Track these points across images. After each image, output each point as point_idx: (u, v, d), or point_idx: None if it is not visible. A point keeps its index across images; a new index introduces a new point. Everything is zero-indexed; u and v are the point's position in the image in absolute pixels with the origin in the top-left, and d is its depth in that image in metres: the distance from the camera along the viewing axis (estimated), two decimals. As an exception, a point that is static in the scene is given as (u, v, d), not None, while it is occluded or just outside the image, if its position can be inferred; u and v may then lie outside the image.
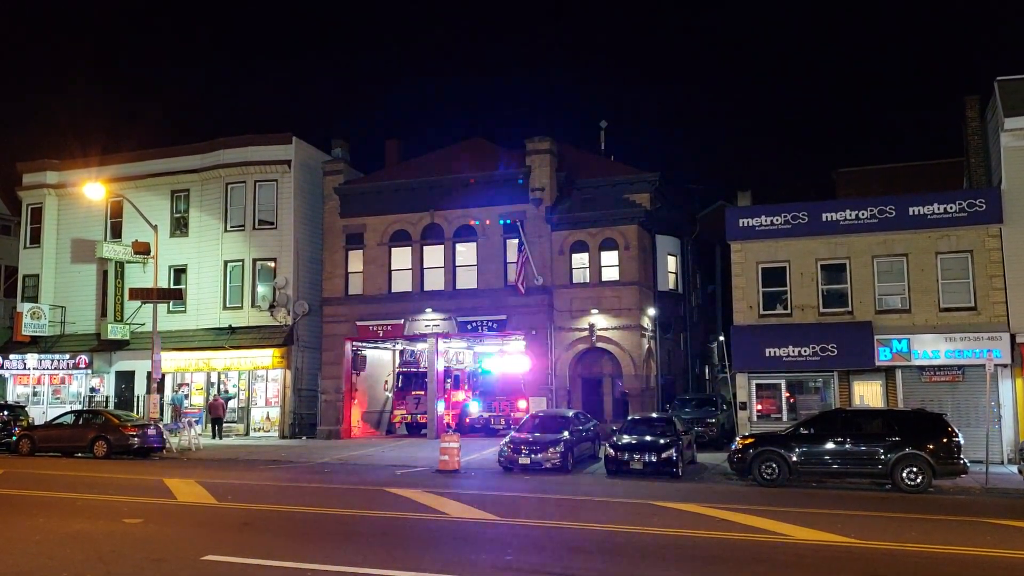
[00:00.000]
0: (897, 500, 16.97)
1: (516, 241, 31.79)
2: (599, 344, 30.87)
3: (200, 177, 36.91)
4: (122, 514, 13.75)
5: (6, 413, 30.30)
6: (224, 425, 33.95)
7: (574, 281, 31.57)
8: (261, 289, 35.55)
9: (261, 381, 35.15)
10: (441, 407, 33.46)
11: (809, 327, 26.15)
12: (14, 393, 38.71)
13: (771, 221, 27.13)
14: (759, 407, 26.80)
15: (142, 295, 31.54)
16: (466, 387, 36.16)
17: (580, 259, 31.63)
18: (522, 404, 32.04)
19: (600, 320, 30.75)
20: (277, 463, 24.52)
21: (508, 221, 32.23)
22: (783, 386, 26.66)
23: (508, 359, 36.63)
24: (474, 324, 32.47)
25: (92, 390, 37.68)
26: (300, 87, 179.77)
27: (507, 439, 22.91)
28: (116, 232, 38.09)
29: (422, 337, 33.67)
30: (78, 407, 34.63)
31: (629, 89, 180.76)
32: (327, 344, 34.51)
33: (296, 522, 13.37)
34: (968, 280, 25.23)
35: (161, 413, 29.72)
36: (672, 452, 20.66)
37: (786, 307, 26.94)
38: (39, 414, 35.88)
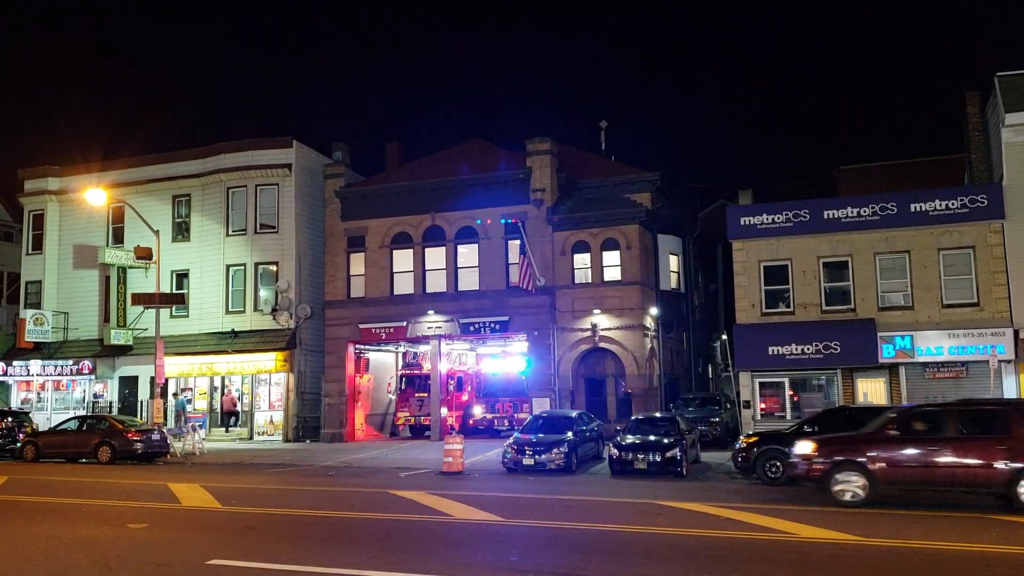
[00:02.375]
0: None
1: (518, 242, 31.78)
2: (602, 344, 30.85)
3: (201, 182, 36.94)
4: (127, 519, 13.75)
5: (10, 420, 30.35)
6: (230, 425, 34.35)
7: (576, 281, 31.57)
8: (263, 293, 35.58)
9: (264, 385, 35.18)
10: (444, 409, 33.45)
11: (812, 325, 26.14)
12: (18, 399, 38.79)
13: (772, 219, 27.12)
14: (763, 406, 26.80)
15: (144, 300, 31.57)
16: (469, 389, 36.16)
17: (582, 259, 31.62)
18: (525, 405, 32.03)
19: (602, 320, 30.74)
20: (281, 467, 24.53)
21: (509, 222, 32.23)
22: (786, 384, 26.66)
23: (511, 360, 36.60)
24: (477, 326, 32.46)
25: (96, 396, 37.74)
26: (300, 91, 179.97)
27: (511, 440, 22.89)
28: (118, 237, 38.15)
29: (425, 339, 33.66)
30: (82, 413, 34.68)
31: (629, 89, 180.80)
32: (330, 347, 34.52)
33: (300, 525, 13.36)
34: (971, 276, 25.22)
35: (165, 418, 29.75)
36: (676, 451, 20.63)
37: (788, 305, 26.93)
38: (43, 420, 35.94)
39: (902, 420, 15.72)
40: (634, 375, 30.42)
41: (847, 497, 14.93)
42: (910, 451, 15.00)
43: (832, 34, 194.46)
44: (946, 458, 14.68)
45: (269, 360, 34.32)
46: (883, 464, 14.94)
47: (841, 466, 15.10)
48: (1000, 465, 14.30)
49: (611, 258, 31.26)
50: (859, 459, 15.02)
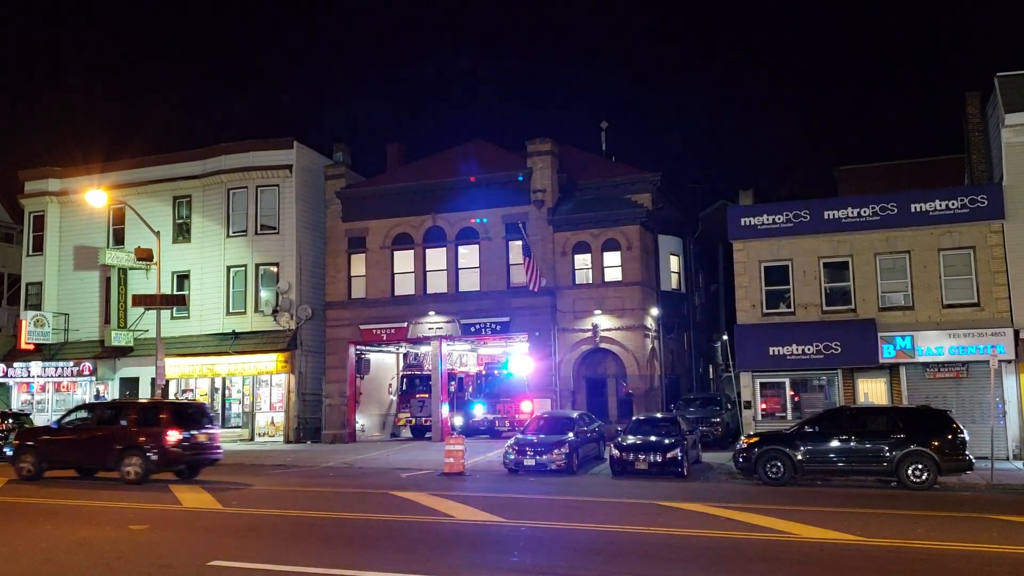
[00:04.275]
0: (902, 497, 16.95)
1: (519, 243, 31.81)
2: (603, 345, 30.86)
3: (202, 183, 36.96)
4: (128, 520, 13.76)
5: (10, 421, 30.36)
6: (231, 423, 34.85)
7: (577, 282, 31.59)
8: (264, 294, 35.59)
9: (265, 386, 35.21)
10: (446, 410, 33.46)
11: (812, 325, 26.14)
12: (18, 401, 38.80)
13: (773, 219, 27.12)
14: (763, 406, 26.79)
15: (145, 301, 31.56)
16: (470, 389, 36.15)
17: (583, 260, 31.64)
18: (526, 406, 32.03)
19: (603, 321, 30.75)
20: (282, 468, 24.54)
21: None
22: (787, 385, 26.66)
23: (512, 361, 36.62)
24: (477, 326, 32.48)
25: (96, 397, 37.72)
26: (301, 92, 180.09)
27: (512, 441, 22.89)
28: (119, 239, 38.15)
29: (426, 340, 33.68)
30: (83, 414, 34.63)
31: (630, 89, 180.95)
32: (331, 348, 34.53)
33: (301, 526, 13.38)
34: (971, 276, 25.22)
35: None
36: (677, 452, 20.65)
37: (789, 306, 26.93)
38: (43, 422, 35.80)
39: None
40: (635, 375, 30.43)
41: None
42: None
43: (832, 34, 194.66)
44: (83, 439, 20.62)
45: (270, 361, 34.32)
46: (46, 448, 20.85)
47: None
48: (112, 446, 19.84)
49: (612, 259, 31.27)
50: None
